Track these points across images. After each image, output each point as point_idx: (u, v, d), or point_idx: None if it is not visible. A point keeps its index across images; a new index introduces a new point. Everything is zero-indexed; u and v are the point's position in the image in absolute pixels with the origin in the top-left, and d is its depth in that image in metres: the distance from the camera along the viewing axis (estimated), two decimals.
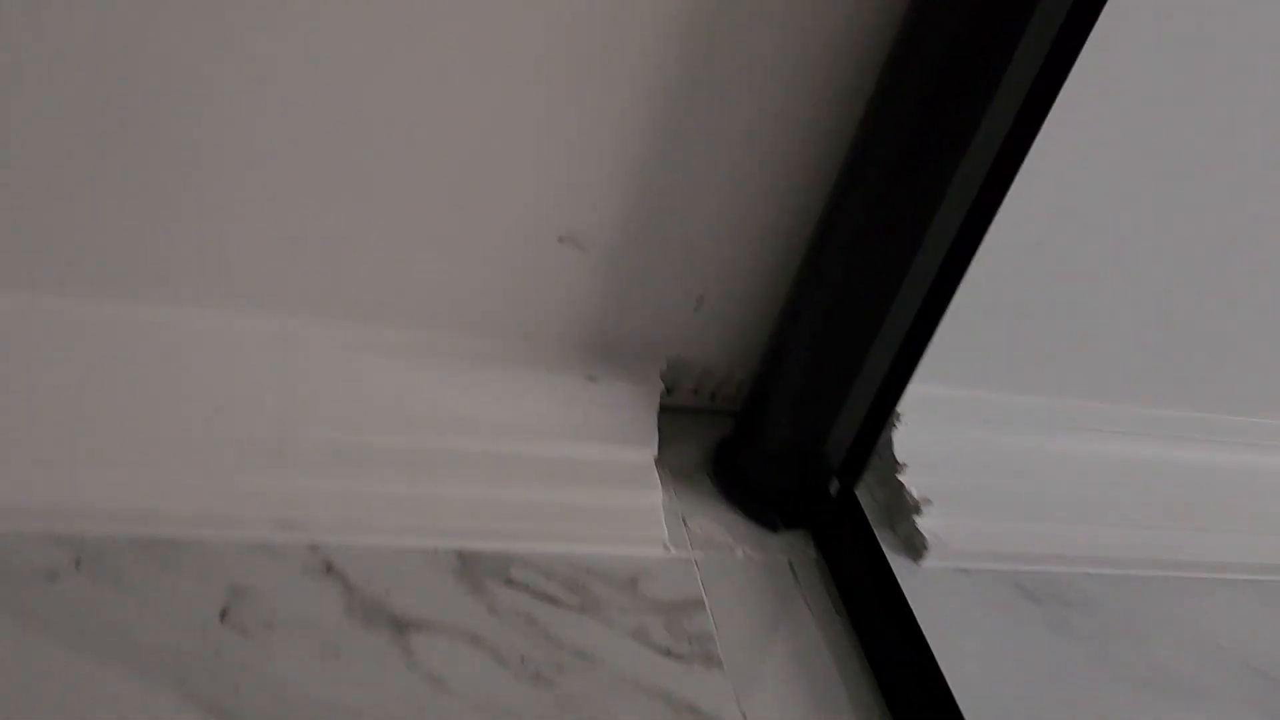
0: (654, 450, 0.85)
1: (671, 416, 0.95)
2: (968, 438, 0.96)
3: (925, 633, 0.79)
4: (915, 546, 0.89)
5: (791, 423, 0.84)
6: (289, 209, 0.74)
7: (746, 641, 0.78)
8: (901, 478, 0.92)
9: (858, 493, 0.91)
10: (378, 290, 0.80)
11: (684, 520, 0.86)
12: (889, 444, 0.94)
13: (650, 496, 0.83)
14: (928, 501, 0.90)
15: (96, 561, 0.68)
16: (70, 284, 0.74)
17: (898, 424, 0.94)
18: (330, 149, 0.72)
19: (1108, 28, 0.67)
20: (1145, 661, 0.87)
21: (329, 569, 0.73)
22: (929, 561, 0.89)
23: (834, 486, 0.89)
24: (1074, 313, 0.95)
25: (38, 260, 0.72)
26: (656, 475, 0.85)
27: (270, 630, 0.68)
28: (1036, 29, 0.65)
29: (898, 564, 0.88)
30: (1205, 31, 0.78)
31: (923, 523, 0.89)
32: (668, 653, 0.75)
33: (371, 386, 0.80)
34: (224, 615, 0.68)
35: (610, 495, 0.82)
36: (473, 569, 0.76)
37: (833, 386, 0.80)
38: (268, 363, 0.78)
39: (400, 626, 0.71)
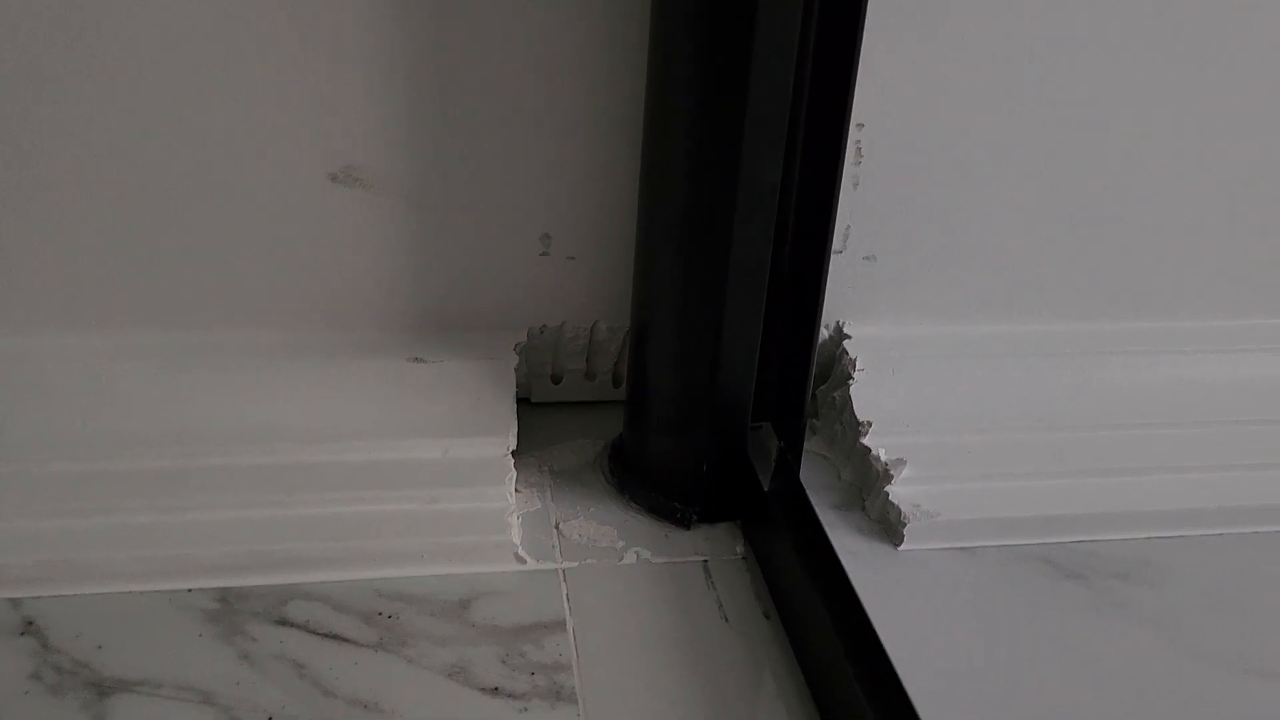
0: (510, 439, 0.65)
1: (564, 411, 0.74)
2: (948, 382, 0.71)
3: (896, 638, 0.53)
4: (891, 524, 0.64)
5: (676, 378, 0.62)
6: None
7: (620, 668, 0.54)
8: (866, 440, 0.68)
9: (817, 468, 0.68)
10: (125, 283, 0.63)
11: (557, 526, 0.64)
12: (848, 402, 0.70)
13: (496, 498, 0.62)
14: (900, 464, 0.66)
15: None
16: None
17: (855, 374, 0.70)
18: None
19: None
20: (1247, 642, 0.59)
21: (28, 626, 0.54)
22: (911, 542, 0.63)
23: (768, 467, 0.66)
24: (1052, 223, 0.71)
25: None
26: (511, 470, 0.63)
27: None
28: None
29: (868, 550, 0.64)
30: None
31: (898, 492, 0.65)
32: (496, 691, 0.52)
33: (121, 400, 0.63)
34: None
35: (443, 501, 0.61)
36: (235, 610, 0.56)
37: (706, 323, 0.59)
38: None
39: (102, 690, 0.51)
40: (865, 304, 0.72)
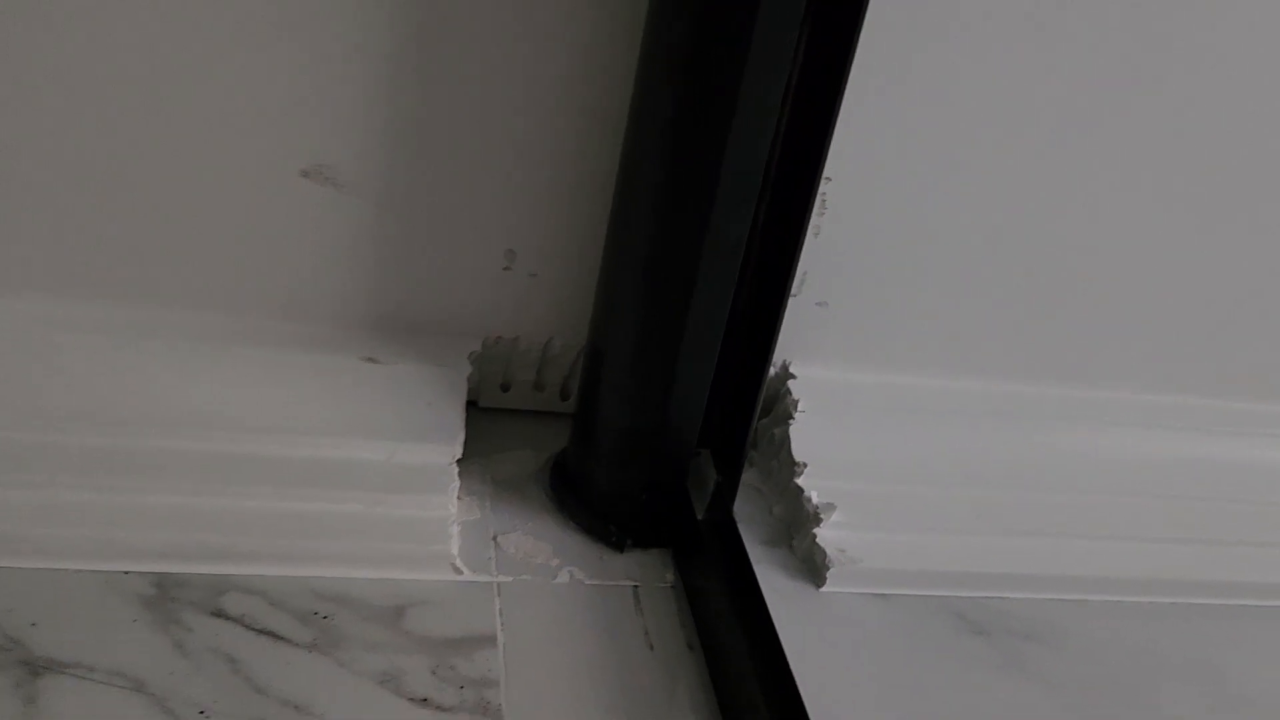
0: (455, 448, 0.66)
1: (510, 419, 0.76)
2: (886, 432, 0.74)
3: (810, 679, 0.56)
4: (816, 565, 0.67)
5: (625, 405, 0.64)
6: None
7: (546, 687, 0.56)
8: (800, 480, 0.70)
9: (749, 502, 0.70)
10: (81, 252, 0.63)
11: (495, 538, 0.65)
12: (786, 440, 0.72)
13: (439, 505, 0.63)
14: (830, 508, 0.68)
15: None
16: None
17: (796, 415, 0.73)
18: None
19: None
20: (1141, 707, 0.63)
21: None
22: (833, 584, 0.66)
23: (703, 496, 0.68)
24: (1007, 284, 0.74)
25: None
26: (455, 479, 0.65)
27: None
28: None
29: (791, 589, 0.66)
30: None
31: (825, 535, 0.67)
32: (424, 702, 0.54)
33: (64, 373, 0.62)
34: None
35: (384, 503, 0.62)
36: (171, 597, 0.57)
37: (660, 355, 0.61)
38: None
39: (34, 669, 0.51)
40: (814, 347, 0.74)
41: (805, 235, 0.61)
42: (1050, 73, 0.66)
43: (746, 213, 0.57)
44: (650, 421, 0.64)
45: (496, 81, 0.62)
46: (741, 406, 0.66)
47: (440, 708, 0.54)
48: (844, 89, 0.57)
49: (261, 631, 0.56)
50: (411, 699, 0.54)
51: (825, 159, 0.59)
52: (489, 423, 0.74)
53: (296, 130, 0.62)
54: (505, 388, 0.75)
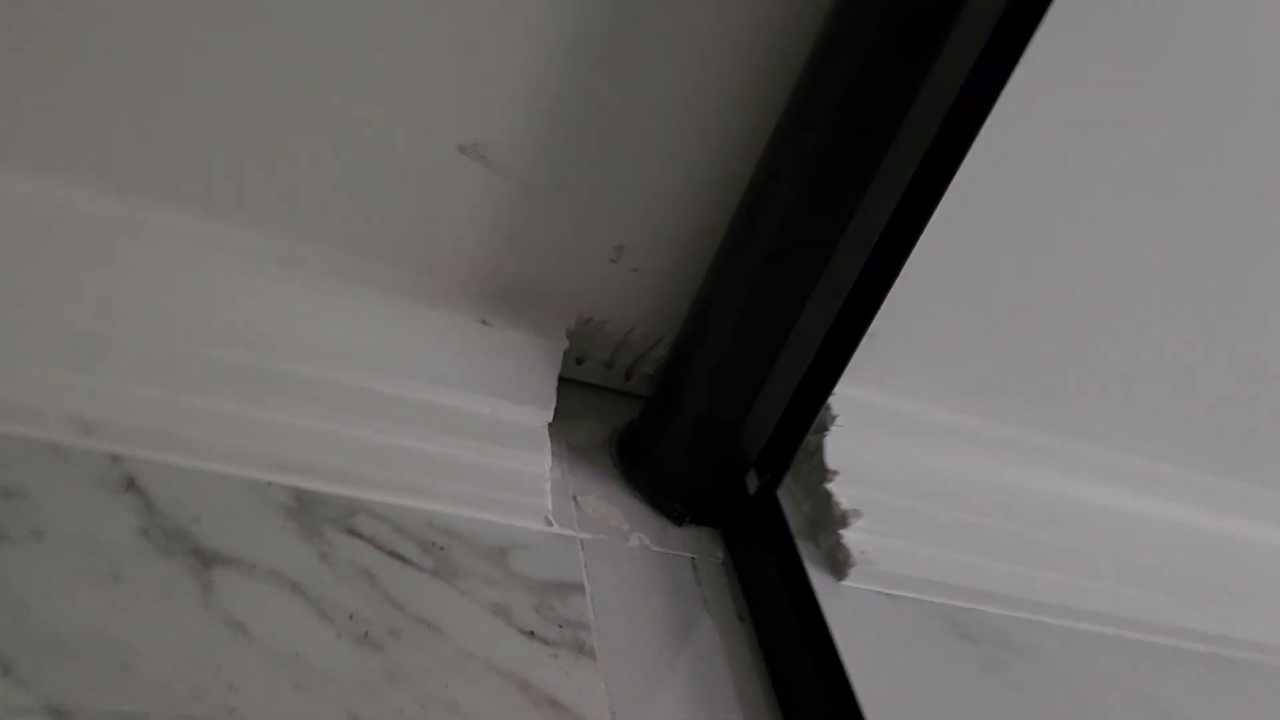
0: (549, 414, 0.74)
1: (578, 390, 0.84)
2: (910, 454, 0.85)
3: (843, 658, 0.67)
4: (838, 562, 0.77)
5: (709, 398, 0.73)
6: (157, 89, 0.63)
7: (628, 637, 0.65)
8: (830, 486, 0.80)
9: (780, 496, 0.79)
10: (242, 182, 0.68)
11: (575, 498, 0.74)
12: (820, 448, 0.82)
13: (537, 462, 0.71)
14: (858, 515, 0.78)
15: None
16: None
17: (832, 427, 0.83)
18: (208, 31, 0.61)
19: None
20: (1084, 711, 0.75)
21: (130, 484, 0.60)
22: (852, 581, 0.77)
23: (752, 484, 0.78)
24: (1042, 340, 0.85)
25: None
26: (548, 441, 0.73)
27: (39, 540, 0.55)
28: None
29: (817, 579, 0.76)
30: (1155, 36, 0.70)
31: (850, 537, 0.78)
32: (532, 635, 0.62)
33: (221, 293, 0.68)
34: None
35: (490, 454, 0.70)
36: (310, 511, 0.63)
37: (756, 363, 0.70)
38: (102, 247, 0.66)
39: (206, 559, 0.58)
40: (856, 368, 0.83)
41: (894, 284, 0.71)
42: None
43: (862, 255, 0.67)
44: (731, 416, 0.73)
45: (651, 99, 0.70)
46: (802, 417, 0.76)
47: (545, 641, 0.62)
48: (962, 161, 0.67)
49: (391, 554, 0.63)
50: (520, 630, 0.62)
51: (929, 221, 0.69)
52: (563, 391, 0.82)
53: (465, 107, 0.68)
54: (580, 360, 0.83)
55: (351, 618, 0.58)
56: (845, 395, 0.84)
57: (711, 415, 0.74)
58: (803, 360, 0.70)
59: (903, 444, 0.84)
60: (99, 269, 0.65)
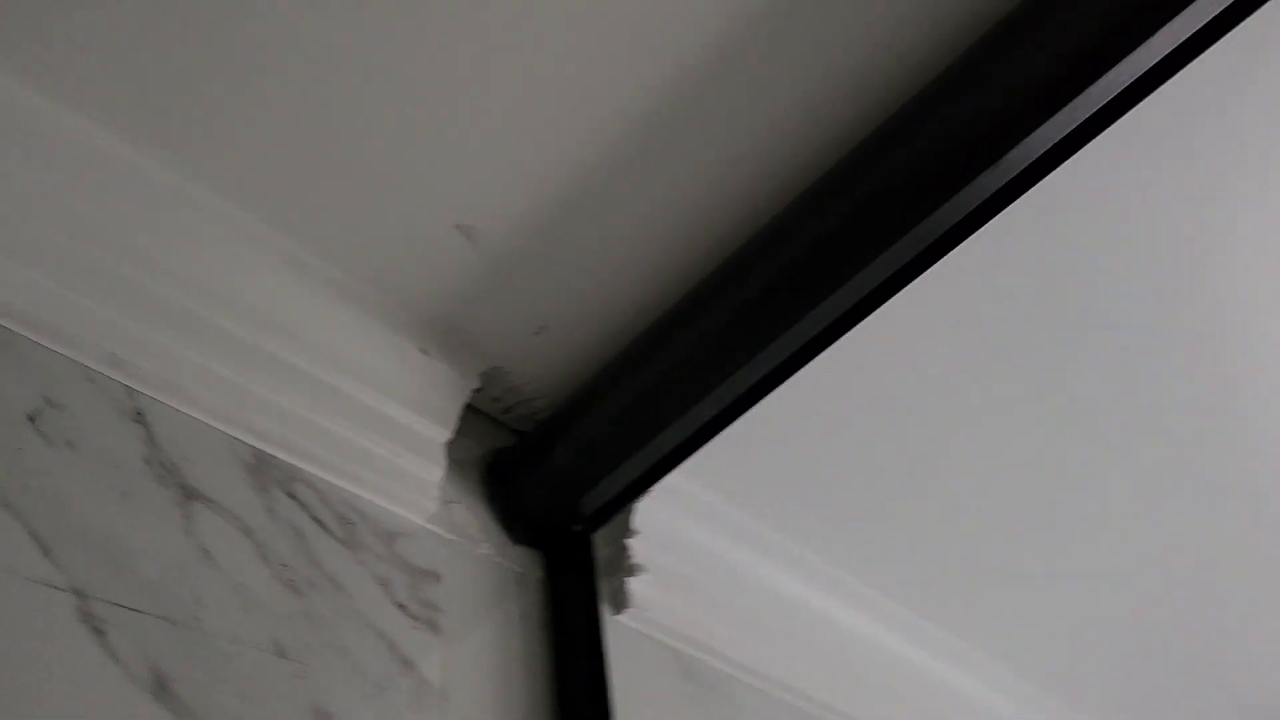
0: (449, 433, 0.94)
1: (466, 411, 1.04)
2: (705, 538, 1.11)
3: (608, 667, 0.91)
4: (618, 601, 1.02)
5: (576, 458, 0.96)
6: None
7: (464, 622, 0.87)
8: (630, 541, 1.05)
9: (594, 538, 1.03)
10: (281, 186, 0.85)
11: (448, 504, 0.95)
12: (631, 510, 1.07)
13: (433, 472, 0.91)
14: (643, 569, 1.03)
15: None
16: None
17: (644, 496, 1.07)
18: None
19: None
20: None
21: (139, 416, 0.77)
22: (624, 617, 1.02)
23: (577, 526, 1.01)
24: (859, 493, 1.13)
25: None
26: (444, 456, 0.93)
27: (73, 449, 0.71)
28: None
29: (603, 608, 1.01)
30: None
31: (632, 584, 1.03)
32: (401, 607, 0.83)
33: (234, 272, 0.85)
34: (33, 419, 0.71)
35: (402, 457, 0.90)
36: (264, 470, 0.82)
37: (630, 446, 0.93)
38: (151, 206, 0.81)
39: (188, 493, 0.76)
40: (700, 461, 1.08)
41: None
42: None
43: (738, 389, 0.90)
44: (588, 477, 0.96)
45: (634, 206, 0.91)
46: (638, 488, 1.00)
47: (411, 615, 0.83)
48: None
49: (315, 519, 0.83)
50: (394, 602, 0.83)
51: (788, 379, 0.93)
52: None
53: (477, 194, 0.87)
54: (477, 390, 1.03)
55: (284, 565, 0.78)
56: (670, 478, 1.09)
57: (573, 471, 0.96)
58: (664, 451, 0.94)
59: (703, 528, 1.10)
60: (145, 226, 0.81)
